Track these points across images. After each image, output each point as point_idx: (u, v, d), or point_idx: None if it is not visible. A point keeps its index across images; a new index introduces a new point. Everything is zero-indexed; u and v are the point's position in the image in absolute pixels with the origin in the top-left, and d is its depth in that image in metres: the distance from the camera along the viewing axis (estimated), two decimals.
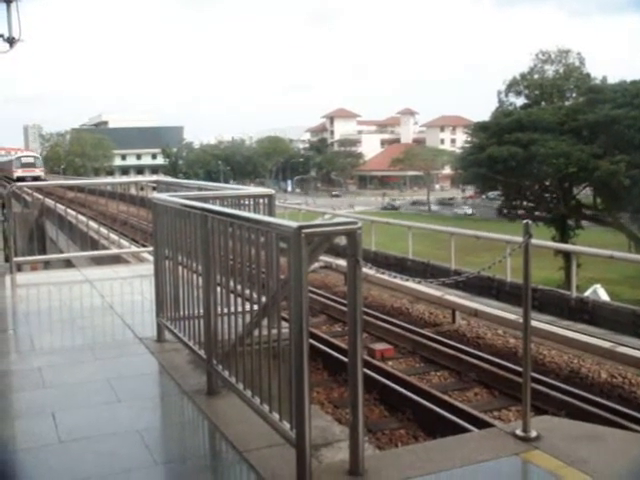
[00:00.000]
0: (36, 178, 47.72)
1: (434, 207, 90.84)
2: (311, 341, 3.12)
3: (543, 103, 49.12)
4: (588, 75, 52.89)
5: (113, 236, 13.23)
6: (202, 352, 4.51)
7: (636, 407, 8.35)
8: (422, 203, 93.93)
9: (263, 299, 3.72)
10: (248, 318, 3.91)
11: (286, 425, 3.29)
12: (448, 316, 12.90)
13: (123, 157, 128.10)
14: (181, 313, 4.98)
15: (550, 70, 55.31)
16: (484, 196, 70.53)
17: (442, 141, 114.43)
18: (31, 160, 57.30)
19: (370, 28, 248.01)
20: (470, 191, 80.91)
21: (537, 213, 41.29)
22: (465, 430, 6.83)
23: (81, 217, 15.84)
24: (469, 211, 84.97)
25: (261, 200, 5.80)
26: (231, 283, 4.08)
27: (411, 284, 13.49)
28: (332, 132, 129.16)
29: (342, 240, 3.29)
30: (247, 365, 3.73)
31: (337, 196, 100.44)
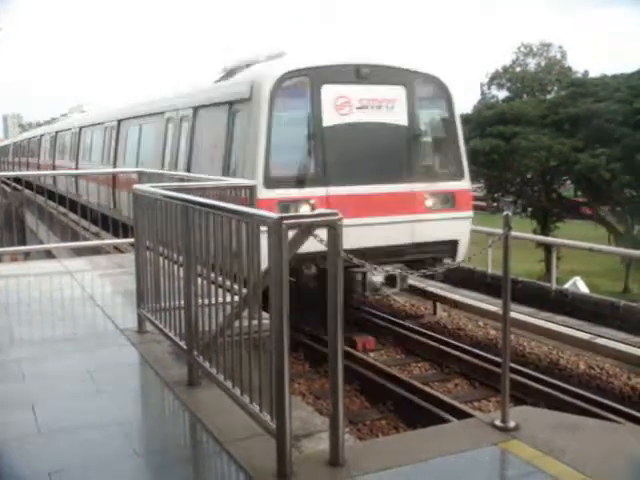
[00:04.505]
0: None
1: None
2: (292, 332, 3.12)
3: (525, 96, 49.38)
4: (569, 68, 53.29)
5: (94, 227, 13.15)
6: (183, 343, 4.51)
7: (613, 397, 8.46)
8: None
9: (244, 290, 3.72)
10: (229, 309, 3.90)
11: (266, 416, 3.30)
12: (429, 308, 12.95)
13: None
14: (162, 304, 4.97)
15: (532, 63, 55.69)
16: None
17: None
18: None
19: (354, 19, 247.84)
20: None
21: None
22: (445, 421, 6.90)
23: (62, 208, 15.73)
24: None
25: (243, 191, 5.80)
26: (212, 274, 4.08)
27: None
28: None
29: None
30: (228, 356, 3.73)
31: None
